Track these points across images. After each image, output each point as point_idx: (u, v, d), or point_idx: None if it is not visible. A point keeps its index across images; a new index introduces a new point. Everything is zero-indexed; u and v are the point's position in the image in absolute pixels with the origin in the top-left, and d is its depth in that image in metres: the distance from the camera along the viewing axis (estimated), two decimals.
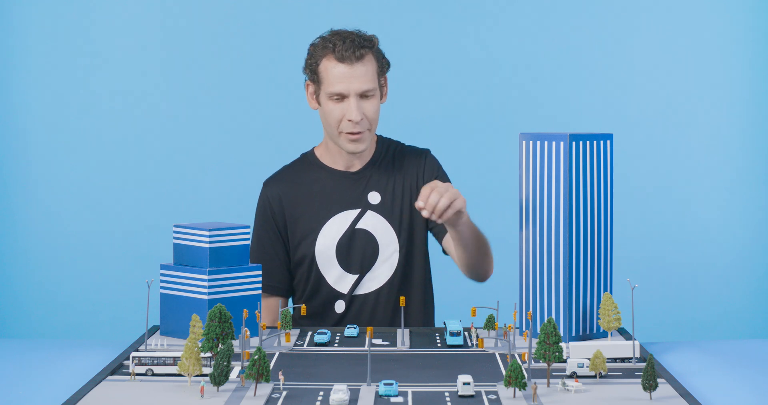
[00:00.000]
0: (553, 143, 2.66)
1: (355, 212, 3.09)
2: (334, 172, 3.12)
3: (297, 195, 3.13)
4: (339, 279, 3.08)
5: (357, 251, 3.07)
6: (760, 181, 4.64)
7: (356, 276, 3.08)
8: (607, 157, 2.74)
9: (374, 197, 3.09)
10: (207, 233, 2.71)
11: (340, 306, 3.09)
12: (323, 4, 4.63)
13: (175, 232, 2.79)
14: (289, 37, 4.61)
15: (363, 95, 2.99)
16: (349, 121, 2.99)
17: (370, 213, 3.08)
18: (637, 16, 4.65)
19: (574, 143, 2.65)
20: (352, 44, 2.98)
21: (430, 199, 2.71)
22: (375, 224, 3.08)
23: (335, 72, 2.99)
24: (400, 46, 4.60)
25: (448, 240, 3.05)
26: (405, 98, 4.59)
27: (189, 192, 4.64)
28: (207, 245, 2.71)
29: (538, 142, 2.69)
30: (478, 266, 3.04)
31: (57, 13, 4.61)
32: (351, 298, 3.08)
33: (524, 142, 2.72)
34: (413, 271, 3.11)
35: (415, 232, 3.10)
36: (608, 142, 2.74)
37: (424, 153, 3.16)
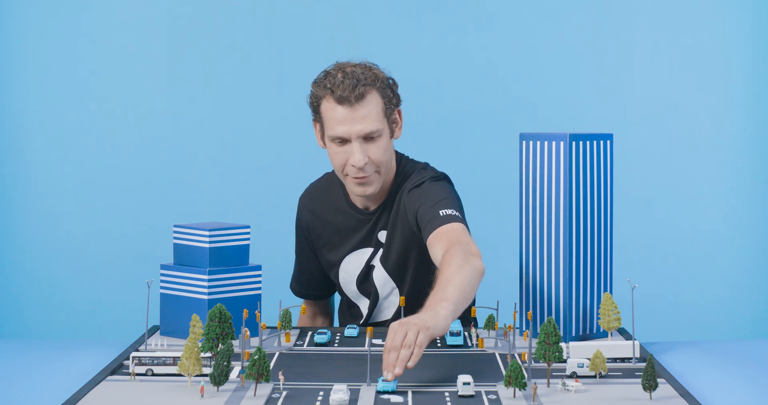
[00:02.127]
0: (553, 143, 2.66)
1: (369, 251, 3.01)
2: (354, 209, 3.00)
3: (321, 225, 3.06)
4: (366, 306, 3.07)
5: (374, 286, 3.03)
6: (760, 181, 4.64)
7: (374, 307, 3.05)
8: (607, 157, 2.74)
9: (383, 236, 2.98)
10: (207, 233, 2.71)
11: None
12: (326, 6, 4.63)
13: (175, 232, 2.79)
14: (291, 39, 4.61)
15: (367, 137, 2.81)
16: (353, 166, 2.83)
17: (381, 252, 2.99)
18: (637, 16, 4.64)
19: (574, 143, 2.65)
20: (351, 83, 2.77)
21: (396, 369, 2.22)
22: (379, 276, 3.00)
23: (335, 114, 2.80)
24: (400, 47, 4.61)
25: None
26: (405, 99, 4.59)
27: (189, 192, 4.64)
28: (207, 245, 2.71)
29: (538, 142, 2.69)
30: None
31: (57, 14, 4.61)
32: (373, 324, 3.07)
33: (524, 142, 2.72)
34: (420, 299, 2.72)
35: (409, 267, 2.95)
36: (608, 142, 2.74)
37: (408, 185, 2.90)
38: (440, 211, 2.74)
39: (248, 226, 2.79)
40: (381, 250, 2.99)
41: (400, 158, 2.99)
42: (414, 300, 2.67)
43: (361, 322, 3.08)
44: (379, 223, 2.98)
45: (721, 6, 4.62)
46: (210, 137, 4.66)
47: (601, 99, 4.64)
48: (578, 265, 2.68)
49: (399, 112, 2.92)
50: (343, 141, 2.82)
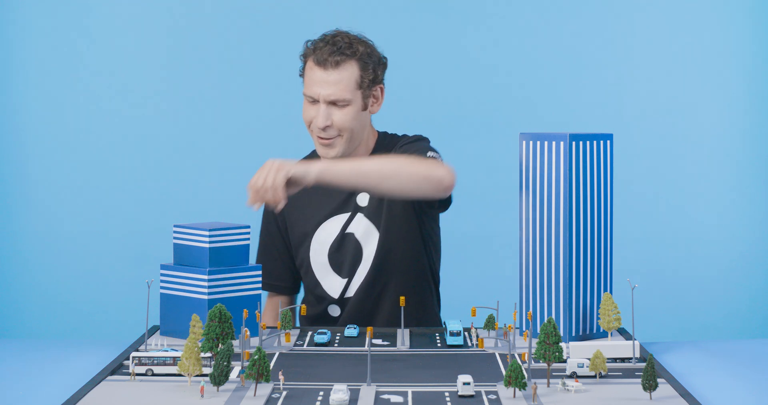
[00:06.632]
0: (553, 143, 2.66)
1: (345, 216, 3.04)
2: None
3: (294, 198, 3.09)
4: (333, 284, 3.07)
5: (346, 256, 3.04)
6: (760, 181, 4.64)
7: (346, 280, 3.06)
8: (607, 157, 2.74)
9: (362, 199, 3.03)
10: (207, 233, 2.71)
11: (334, 310, 3.09)
12: (325, 4, 4.63)
13: (175, 232, 2.79)
14: (290, 38, 4.60)
15: (334, 103, 2.92)
16: (316, 126, 2.94)
17: (359, 216, 3.03)
18: (636, 16, 4.64)
19: (574, 143, 2.65)
20: (332, 49, 2.91)
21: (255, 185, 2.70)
22: (360, 226, 3.03)
23: (312, 74, 2.94)
24: (400, 46, 4.60)
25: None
26: (405, 98, 4.59)
27: (189, 192, 4.64)
28: (207, 245, 2.71)
29: (538, 142, 2.69)
30: (413, 189, 2.81)
31: (56, 13, 4.61)
32: (342, 301, 3.07)
33: (524, 142, 2.72)
34: (393, 270, 3.02)
35: (399, 230, 3.00)
36: (608, 142, 2.74)
37: (399, 143, 3.02)
38: (428, 154, 2.90)
39: (248, 226, 2.79)
40: (359, 215, 3.01)
41: (384, 134, 3.09)
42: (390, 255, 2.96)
43: (337, 296, 3.06)
44: None
45: (721, 6, 4.63)
46: (210, 137, 4.66)
47: (601, 99, 4.64)
48: (578, 265, 2.68)
49: (381, 89, 3.01)
50: (314, 101, 2.94)
